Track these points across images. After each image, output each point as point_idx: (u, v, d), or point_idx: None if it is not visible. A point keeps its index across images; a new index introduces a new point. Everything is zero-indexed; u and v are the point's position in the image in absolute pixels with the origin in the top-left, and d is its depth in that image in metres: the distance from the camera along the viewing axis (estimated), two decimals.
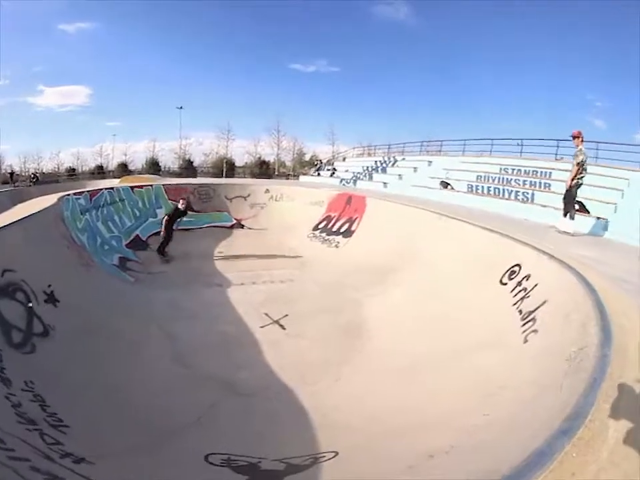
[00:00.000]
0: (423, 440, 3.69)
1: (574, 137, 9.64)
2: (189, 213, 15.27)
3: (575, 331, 3.88)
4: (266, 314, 7.86)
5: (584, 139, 9.79)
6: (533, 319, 4.80)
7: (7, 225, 6.62)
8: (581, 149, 9.59)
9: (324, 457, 3.74)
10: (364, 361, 6.05)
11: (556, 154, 17.56)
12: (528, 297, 5.35)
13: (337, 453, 3.78)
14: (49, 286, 6.26)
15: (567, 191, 9.65)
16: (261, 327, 7.33)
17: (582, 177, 9.68)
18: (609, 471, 2.12)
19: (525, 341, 4.61)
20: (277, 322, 7.58)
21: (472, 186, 17.49)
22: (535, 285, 5.43)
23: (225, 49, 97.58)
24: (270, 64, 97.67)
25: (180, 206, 13.32)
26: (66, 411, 4.01)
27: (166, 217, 12.88)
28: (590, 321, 3.77)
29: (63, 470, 2.89)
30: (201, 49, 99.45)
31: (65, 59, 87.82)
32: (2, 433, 2.86)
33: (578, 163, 9.50)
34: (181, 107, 61.98)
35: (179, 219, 13.20)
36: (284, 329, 7.29)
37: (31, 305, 5.50)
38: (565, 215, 9.78)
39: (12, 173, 50.61)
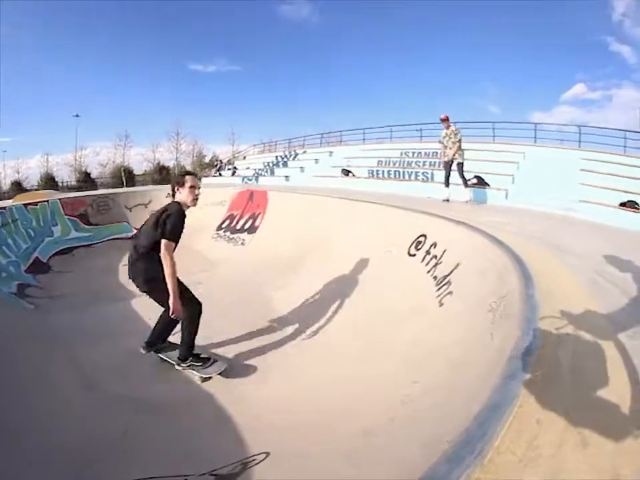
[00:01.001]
0: (358, 421, 3.50)
1: (443, 120, 10.95)
2: (87, 227, 14.84)
3: (494, 284, 3.84)
4: None
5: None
6: (448, 282, 4.77)
7: None
8: (458, 129, 11.49)
9: (254, 459, 3.43)
10: (283, 354, 5.73)
11: None
12: (440, 263, 5.33)
13: (268, 454, 3.47)
14: None
15: (456, 164, 11.18)
16: (173, 334, 6.86)
17: (463, 153, 11.40)
18: (578, 407, 2.00)
19: (441, 304, 4.56)
20: None
21: (373, 171, 17.75)
22: (444, 251, 5.43)
23: (120, 53, 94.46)
24: (169, 66, 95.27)
25: None
26: None
27: None
28: (507, 272, 3.75)
29: None
30: (93, 53, 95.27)
31: None
32: None
33: (459, 140, 11.19)
34: (77, 115, 59.24)
35: None
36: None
37: None
38: (466, 186, 10.81)
39: None
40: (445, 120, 11.34)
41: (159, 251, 4.84)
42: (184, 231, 4.91)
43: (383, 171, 17.22)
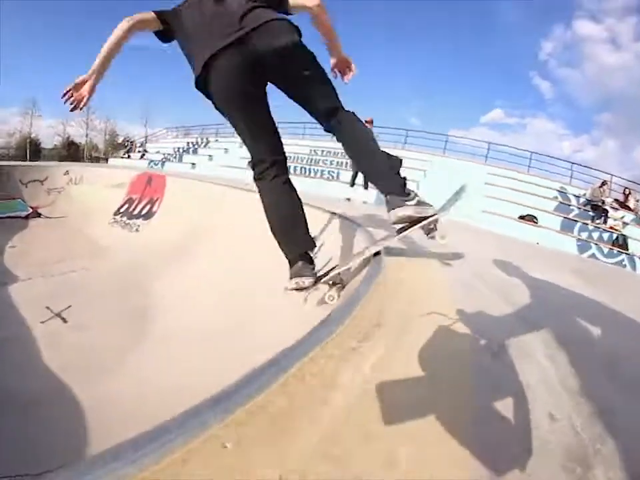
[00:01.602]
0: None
1: (368, 122, 11.29)
2: None
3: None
4: (47, 307, 6.93)
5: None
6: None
7: None
8: (377, 135, 11.26)
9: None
10: (156, 344, 5.42)
11: None
12: (315, 257, 5.18)
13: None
14: None
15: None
16: (42, 322, 6.43)
17: None
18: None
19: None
20: (58, 315, 6.66)
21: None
22: (322, 245, 5.31)
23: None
24: (87, 28, 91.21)
25: None
26: None
27: None
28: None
29: None
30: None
31: None
32: None
33: None
34: None
35: None
36: (66, 321, 6.42)
37: None
38: (366, 188, 11.11)
39: None
40: (370, 122, 11.72)
41: None
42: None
43: (292, 167, 17.30)
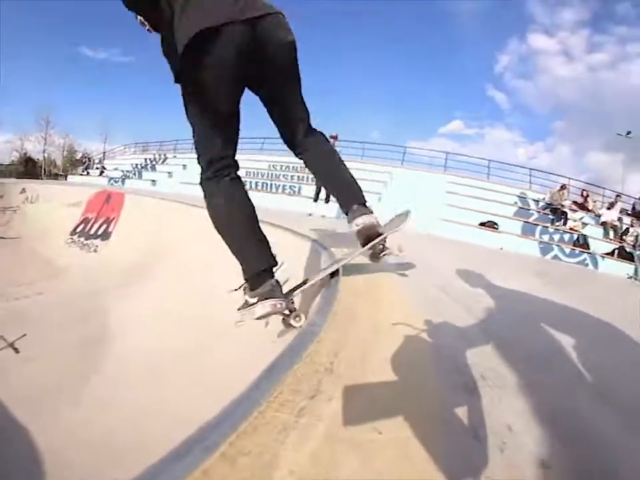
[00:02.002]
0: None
1: (333, 137, 11.44)
2: None
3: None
4: (1, 337, 6.68)
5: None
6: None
7: None
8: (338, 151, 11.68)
9: None
10: (112, 370, 5.23)
11: None
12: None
13: None
14: None
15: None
16: None
17: None
18: None
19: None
20: (11, 345, 6.41)
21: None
22: (281, 264, 5.21)
23: None
24: (53, 42, 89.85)
25: None
26: None
27: None
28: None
29: None
30: None
31: None
32: None
33: None
34: None
35: None
36: (18, 352, 6.18)
37: None
38: (327, 202, 11.20)
39: None
40: (335, 138, 11.89)
41: None
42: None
43: (251, 182, 17.27)
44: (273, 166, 19.01)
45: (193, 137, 3.04)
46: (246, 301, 3.10)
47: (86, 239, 12.86)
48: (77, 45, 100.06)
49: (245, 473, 1.33)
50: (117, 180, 24.63)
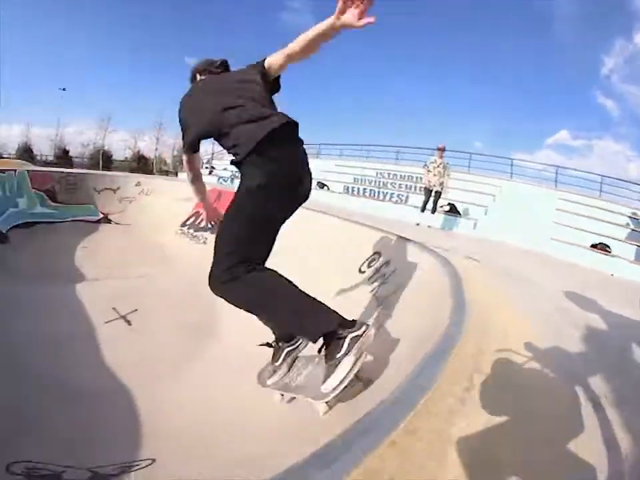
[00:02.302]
0: (258, 444, 3.22)
1: (441, 149, 11.42)
2: (52, 204, 14.56)
3: (429, 311, 3.62)
4: (114, 309, 7.04)
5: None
6: (389, 305, 4.52)
7: None
8: (449, 163, 12.09)
9: (138, 464, 3.15)
10: (213, 360, 5.36)
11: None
12: (385, 282, 5.13)
13: (153, 460, 3.19)
14: None
15: (435, 191, 11.10)
16: (106, 322, 6.52)
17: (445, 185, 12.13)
18: None
19: (381, 325, 4.23)
20: (123, 317, 6.74)
21: (348, 187, 17.68)
22: (394, 271, 5.23)
23: (114, 32, 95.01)
24: (162, 54, 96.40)
25: None
26: None
27: None
28: (446, 297, 3.51)
29: None
30: (87, 26, 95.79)
31: None
32: None
33: (448, 175, 11.53)
34: (64, 89, 58.72)
35: None
36: (130, 324, 6.50)
37: None
38: (433, 213, 11.04)
39: None
40: (442, 150, 11.87)
41: None
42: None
43: (359, 188, 17.27)
44: (381, 173, 18.88)
45: (227, 229, 3.09)
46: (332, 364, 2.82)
47: (195, 231, 13.46)
48: (182, 54, 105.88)
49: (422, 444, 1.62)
50: (225, 179, 25.30)
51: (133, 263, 10.65)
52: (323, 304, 3.02)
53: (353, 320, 2.92)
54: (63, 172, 18.10)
